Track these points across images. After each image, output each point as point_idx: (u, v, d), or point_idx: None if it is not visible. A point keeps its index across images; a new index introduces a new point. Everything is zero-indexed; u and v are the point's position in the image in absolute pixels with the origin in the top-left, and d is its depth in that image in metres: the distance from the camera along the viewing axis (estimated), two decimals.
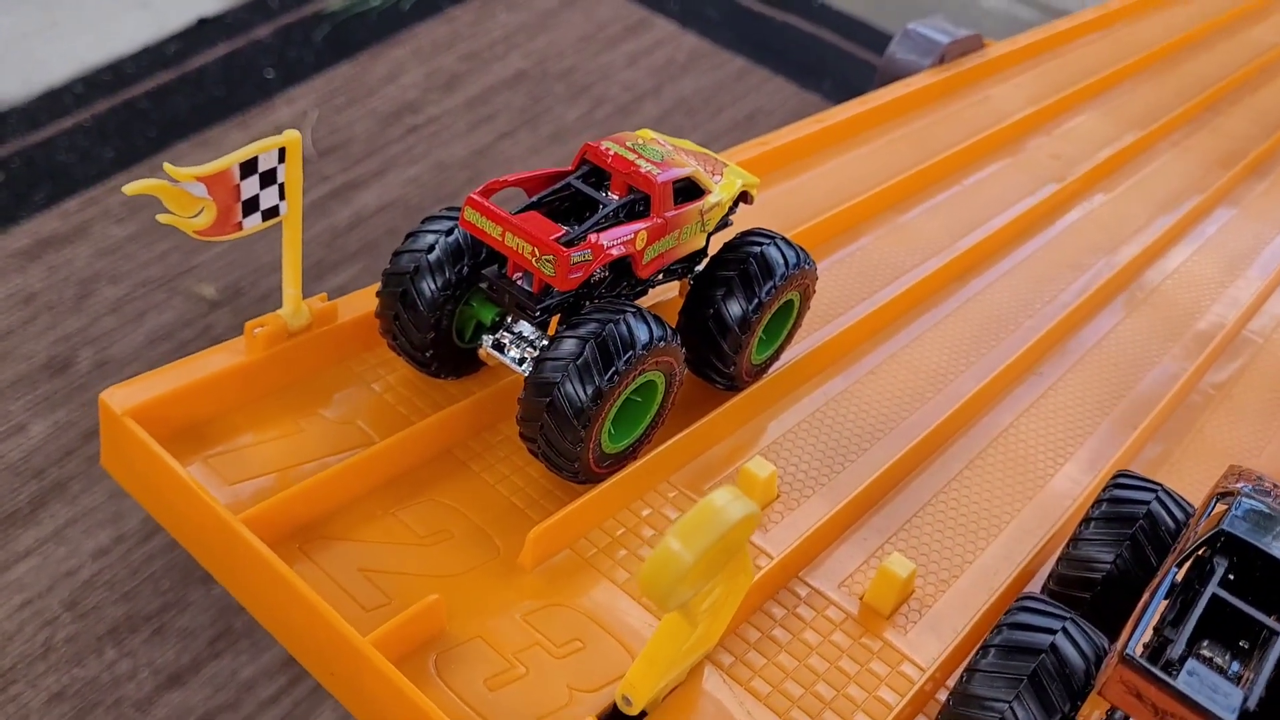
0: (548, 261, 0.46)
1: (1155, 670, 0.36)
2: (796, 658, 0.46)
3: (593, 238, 0.47)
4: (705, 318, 0.53)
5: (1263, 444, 0.63)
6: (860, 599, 0.49)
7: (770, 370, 0.58)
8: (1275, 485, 0.45)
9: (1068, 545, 0.47)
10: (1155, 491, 0.47)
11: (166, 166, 0.44)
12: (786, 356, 0.59)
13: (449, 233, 0.50)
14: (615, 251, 0.48)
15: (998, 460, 0.58)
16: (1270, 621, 0.38)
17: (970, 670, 0.40)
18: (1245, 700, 0.36)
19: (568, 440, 0.46)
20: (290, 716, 1.23)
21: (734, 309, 0.53)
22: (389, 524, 0.47)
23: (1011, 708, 0.39)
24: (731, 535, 0.34)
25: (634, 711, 0.42)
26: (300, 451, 0.49)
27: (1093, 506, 0.48)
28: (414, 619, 0.42)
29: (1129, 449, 0.59)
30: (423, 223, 0.51)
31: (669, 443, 0.52)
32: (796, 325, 0.58)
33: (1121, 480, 0.48)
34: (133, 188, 0.42)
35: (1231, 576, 0.41)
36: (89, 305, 1.15)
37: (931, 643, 0.48)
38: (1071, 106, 0.93)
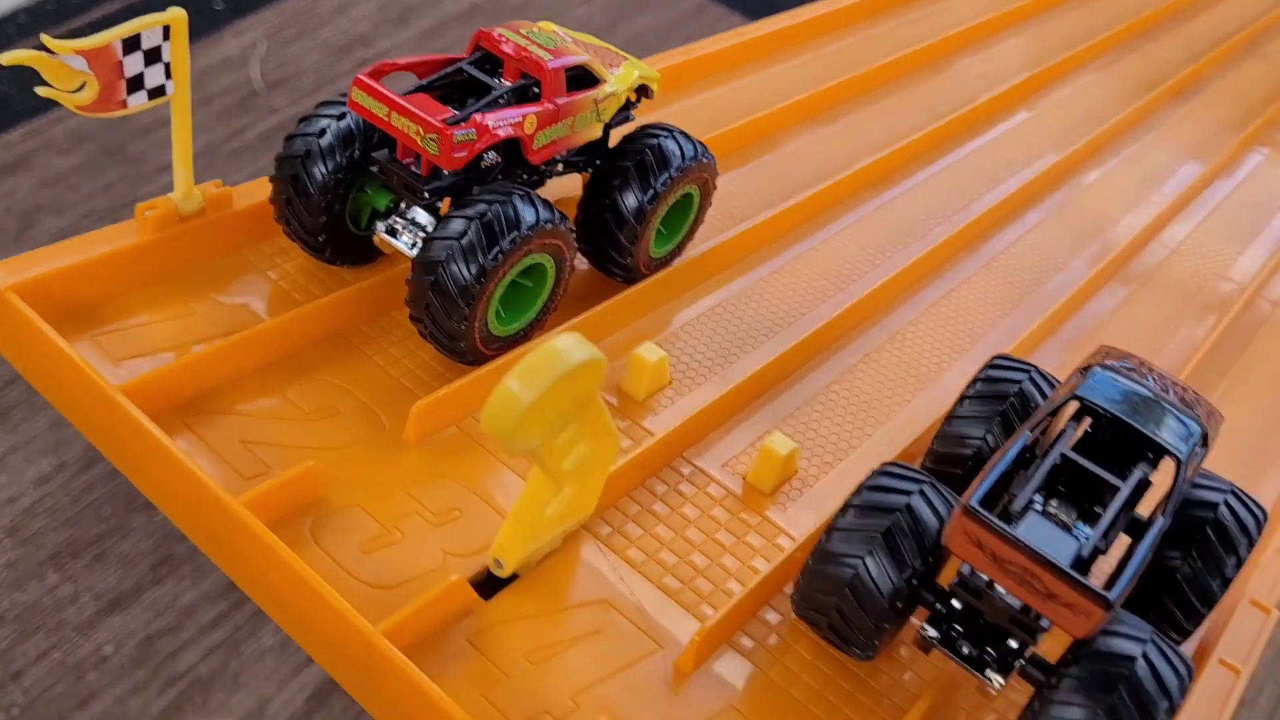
0: (432, 140, 0.46)
1: (993, 520, 0.37)
2: (674, 530, 0.47)
3: (478, 118, 0.47)
4: (602, 209, 0.54)
5: (1160, 346, 0.64)
6: (744, 478, 0.50)
7: (673, 264, 0.58)
8: (1143, 363, 0.46)
9: (944, 423, 0.48)
10: (1028, 371, 0.48)
11: (44, 38, 0.44)
12: (691, 252, 0.60)
13: (340, 117, 0.50)
14: (502, 132, 0.48)
15: (894, 355, 0.59)
16: (1111, 477, 0.40)
17: (830, 530, 0.41)
18: (1079, 549, 0.38)
19: (453, 319, 0.47)
20: (231, 640, 1.25)
21: (630, 200, 0.53)
22: (275, 400, 0.48)
23: (865, 562, 0.40)
24: (575, 381, 0.34)
25: (505, 573, 0.43)
26: (190, 332, 0.49)
27: (969, 385, 0.49)
28: (289, 483, 0.43)
29: (1021, 345, 0.60)
30: (316, 107, 0.51)
31: (561, 327, 0.52)
32: (698, 221, 0.58)
33: (997, 361, 0.49)
34: (9, 57, 0.42)
35: (1083, 440, 0.42)
36: (31, 236, 1.14)
37: (809, 518, 0.49)
38: (1002, 29, 0.93)
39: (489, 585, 0.43)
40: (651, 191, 0.53)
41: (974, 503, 0.38)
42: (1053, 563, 0.36)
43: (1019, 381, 0.48)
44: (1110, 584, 0.37)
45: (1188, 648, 0.47)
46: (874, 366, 0.58)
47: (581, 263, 0.57)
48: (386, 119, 0.47)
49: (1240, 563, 0.44)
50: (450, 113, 0.47)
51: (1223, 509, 0.44)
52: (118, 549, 1.36)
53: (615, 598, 0.44)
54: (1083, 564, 0.37)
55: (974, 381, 0.49)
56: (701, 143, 0.56)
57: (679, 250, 0.59)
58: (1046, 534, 0.38)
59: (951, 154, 0.77)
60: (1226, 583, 0.44)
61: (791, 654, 0.44)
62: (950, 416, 0.48)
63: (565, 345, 0.34)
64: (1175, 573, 0.44)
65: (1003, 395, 0.47)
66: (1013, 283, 0.66)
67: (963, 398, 0.48)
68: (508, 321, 0.50)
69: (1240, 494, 0.45)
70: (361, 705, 0.41)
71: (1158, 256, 0.72)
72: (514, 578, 0.44)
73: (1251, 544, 0.44)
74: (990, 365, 0.49)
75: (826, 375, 0.57)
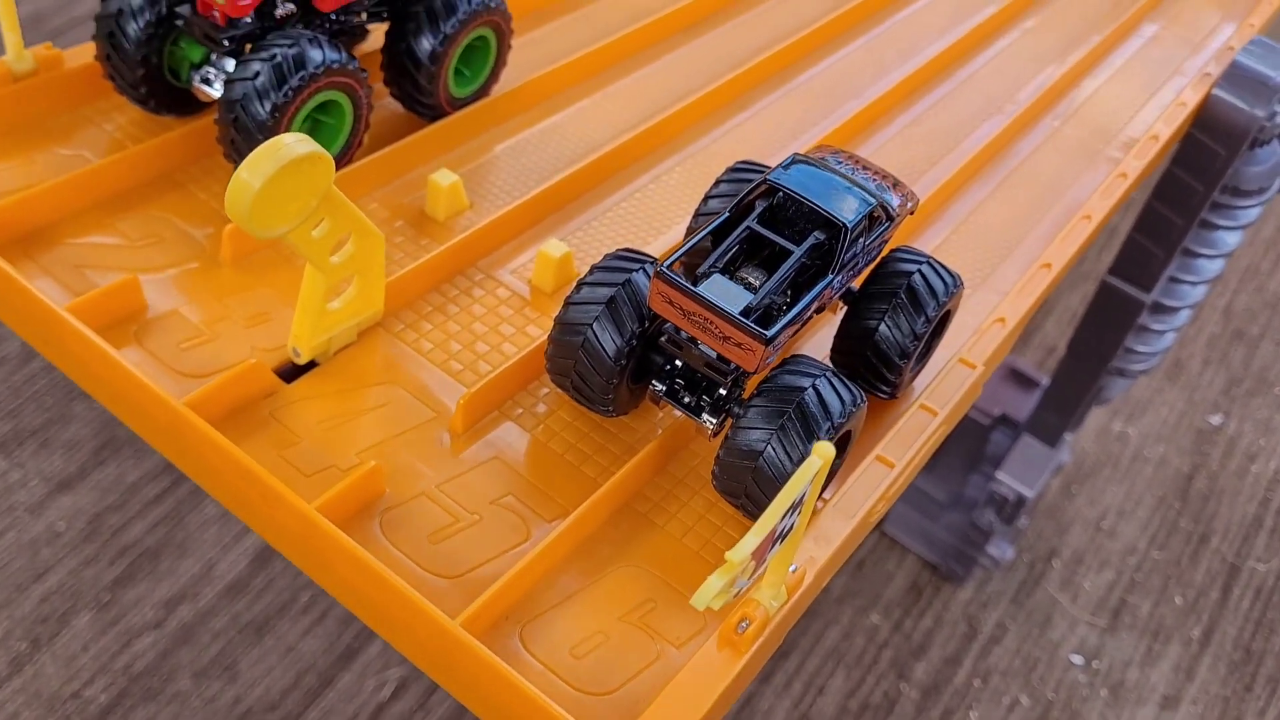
0: None
1: (679, 279, 0.45)
2: (462, 325, 0.55)
3: None
4: (400, 53, 0.60)
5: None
6: (529, 282, 0.58)
7: (481, 101, 0.65)
8: (852, 157, 0.53)
9: (692, 218, 0.56)
10: (763, 170, 0.55)
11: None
12: (502, 89, 0.66)
13: None
14: None
15: (683, 174, 0.66)
16: (786, 243, 0.47)
17: (566, 303, 0.49)
18: (751, 300, 0.45)
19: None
20: (175, 513, 1.34)
21: (423, 44, 0.60)
22: (107, 230, 0.55)
23: (592, 328, 0.48)
24: (302, 172, 0.41)
25: (303, 360, 0.51)
26: (31, 178, 0.56)
27: (712, 186, 0.56)
28: (109, 294, 0.50)
29: None
30: None
31: (367, 159, 0.59)
32: (500, 62, 0.65)
33: (738, 165, 0.56)
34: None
35: (779, 217, 0.49)
36: None
37: None
38: None
39: (292, 373, 0.51)
40: (442, 35, 0.60)
41: (665, 267, 0.45)
42: (720, 308, 0.44)
43: (752, 179, 0.55)
44: (771, 324, 0.45)
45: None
46: (662, 186, 0.65)
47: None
48: None
49: (929, 321, 0.51)
50: None
51: (916, 276, 0.52)
52: (61, 436, 1.45)
53: (403, 379, 0.52)
54: (753, 312, 0.45)
55: (717, 183, 0.56)
56: None
57: (484, 90, 0.65)
58: (723, 289, 0.45)
59: (765, 2, 0.83)
60: (918, 338, 0.51)
61: (555, 417, 0.52)
62: (697, 214, 0.55)
63: (288, 140, 0.41)
64: (875, 332, 0.51)
65: (736, 193, 0.54)
66: (812, 105, 0.73)
67: (708, 197, 0.56)
68: None
69: (935, 264, 0.53)
70: (186, 472, 0.49)
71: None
72: (312, 366, 0.51)
73: (940, 304, 0.52)
74: (731, 169, 0.56)
75: (616, 194, 0.64)
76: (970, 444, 1.21)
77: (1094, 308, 0.96)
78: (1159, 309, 0.94)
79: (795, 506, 0.38)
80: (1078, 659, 1.22)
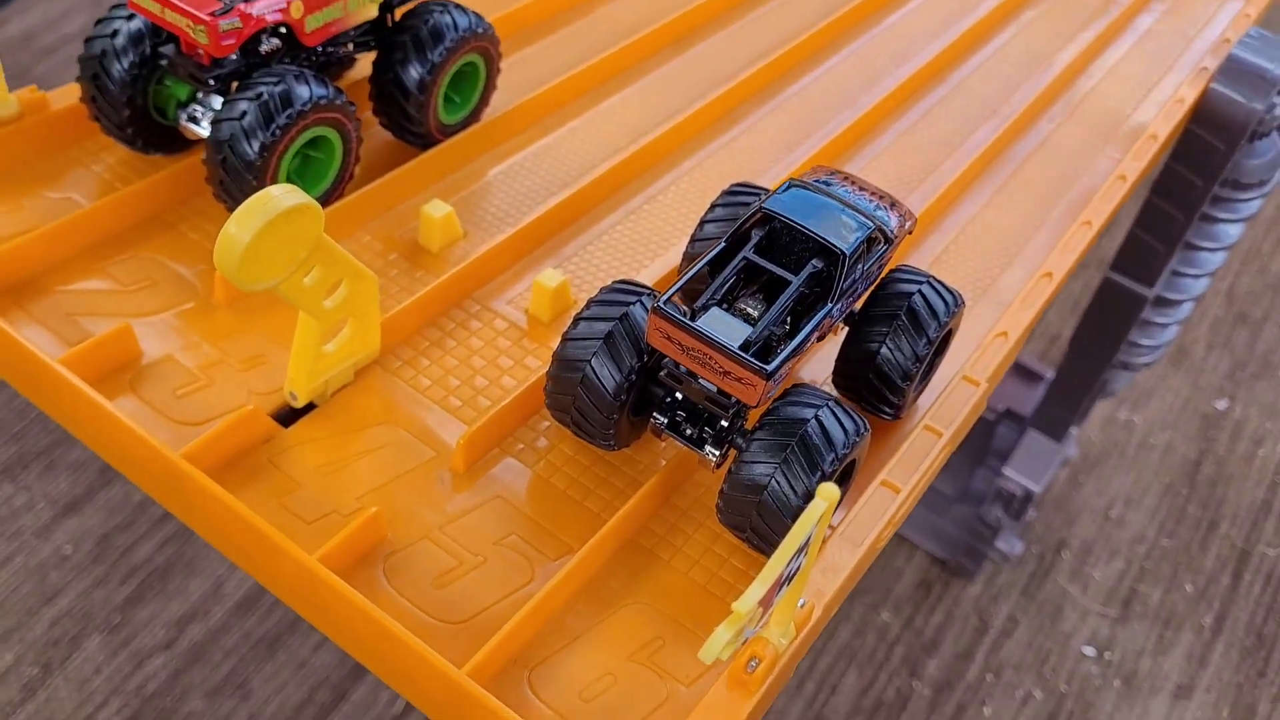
0: (201, 31, 0.52)
1: (677, 315, 0.44)
2: (459, 359, 0.54)
3: (242, 6, 0.53)
4: (387, 83, 0.60)
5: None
6: (526, 312, 0.57)
7: (471, 128, 0.64)
8: (848, 179, 0.52)
9: (688, 245, 0.55)
10: (758, 193, 0.55)
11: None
12: (491, 114, 0.65)
13: (131, 17, 0.55)
14: (270, 18, 0.53)
15: (678, 195, 0.65)
16: (784, 273, 0.47)
17: (563, 339, 0.48)
18: (750, 334, 0.45)
19: (245, 192, 0.53)
20: (183, 531, 1.34)
21: (411, 73, 0.59)
22: (99, 275, 0.55)
23: (591, 364, 0.47)
24: (291, 223, 0.41)
25: (300, 404, 0.50)
26: (21, 224, 0.56)
27: (709, 210, 0.55)
28: (102, 344, 0.49)
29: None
30: (111, 10, 0.56)
31: (359, 192, 0.59)
32: (489, 88, 0.64)
33: (735, 187, 0.55)
34: None
35: (777, 245, 0.49)
36: None
37: None
38: None
39: (290, 416, 0.51)
40: (430, 63, 0.59)
41: (662, 303, 0.45)
42: (720, 343, 0.43)
43: (748, 202, 0.54)
44: (772, 357, 0.44)
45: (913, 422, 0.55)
46: (657, 206, 0.64)
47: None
48: (161, 15, 0.53)
49: (931, 342, 0.51)
50: (219, 5, 0.53)
51: (916, 296, 0.51)
52: (67, 458, 1.45)
53: (401, 418, 0.51)
54: (753, 345, 0.44)
55: (712, 207, 0.55)
56: (477, 14, 0.61)
57: (475, 116, 0.65)
58: (722, 323, 0.45)
59: (753, 12, 0.82)
60: (919, 359, 0.51)
61: (556, 451, 0.51)
62: (693, 239, 0.55)
63: (276, 192, 0.40)
64: (876, 355, 0.51)
65: (734, 217, 0.54)
66: (806, 116, 0.72)
67: (704, 221, 0.55)
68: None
69: (935, 283, 0.52)
70: (185, 522, 0.49)
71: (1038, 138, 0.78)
72: (310, 408, 0.51)
73: (941, 325, 0.51)
74: (727, 191, 0.55)
75: (611, 217, 0.63)
76: (976, 438, 1.21)
77: (1096, 303, 0.96)
78: (1161, 302, 0.94)
79: (801, 549, 0.38)
80: (1090, 650, 1.22)
